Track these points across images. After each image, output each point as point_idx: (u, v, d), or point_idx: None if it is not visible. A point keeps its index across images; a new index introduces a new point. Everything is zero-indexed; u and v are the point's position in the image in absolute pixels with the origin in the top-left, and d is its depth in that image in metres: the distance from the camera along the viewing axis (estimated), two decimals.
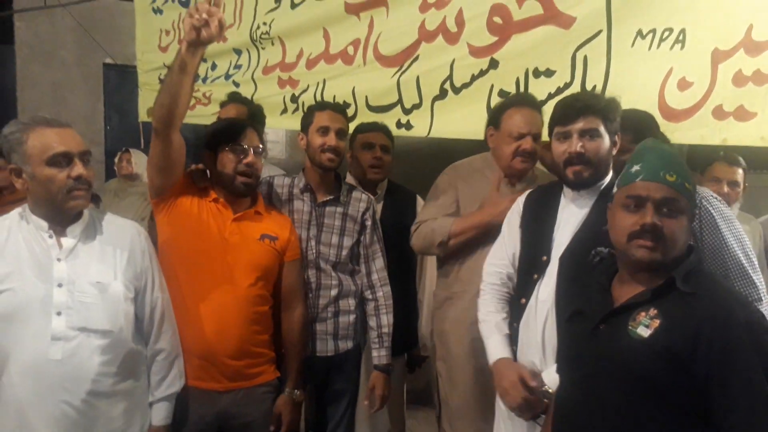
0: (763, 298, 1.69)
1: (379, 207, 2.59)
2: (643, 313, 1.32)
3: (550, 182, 1.97)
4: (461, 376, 2.23)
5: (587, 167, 1.74)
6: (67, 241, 1.64)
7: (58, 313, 1.59)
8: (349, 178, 2.68)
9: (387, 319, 2.26)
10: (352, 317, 2.26)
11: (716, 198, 1.80)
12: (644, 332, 1.30)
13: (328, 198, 2.24)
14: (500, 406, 1.92)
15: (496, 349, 1.86)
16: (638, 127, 1.90)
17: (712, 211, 1.73)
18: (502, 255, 1.98)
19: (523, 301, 1.84)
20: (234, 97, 2.92)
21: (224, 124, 2.09)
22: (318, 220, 2.22)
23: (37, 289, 1.58)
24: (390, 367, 2.28)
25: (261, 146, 2.00)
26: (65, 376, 1.57)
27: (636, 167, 1.40)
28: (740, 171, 2.65)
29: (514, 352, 1.87)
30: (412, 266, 2.78)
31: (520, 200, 1.99)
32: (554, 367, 1.64)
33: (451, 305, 2.26)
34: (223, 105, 2.88)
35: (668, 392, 1.28)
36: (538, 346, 1.78)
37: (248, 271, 1.94)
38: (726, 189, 2.55)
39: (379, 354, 2.25)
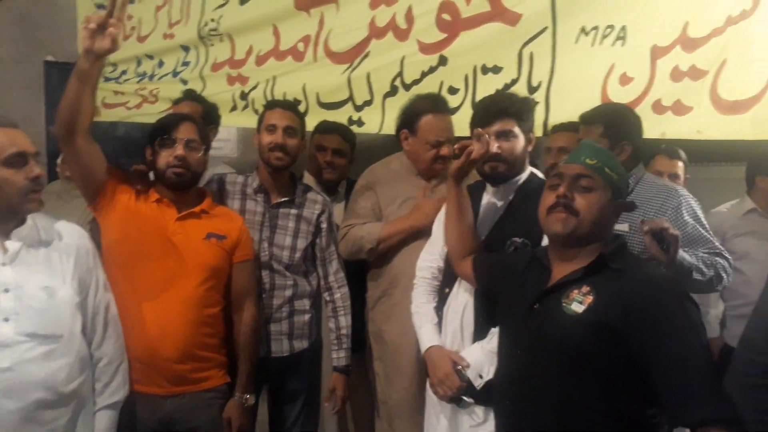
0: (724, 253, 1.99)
1: (340, 206, 2.58)
2: (576, 290, 1.40)
3: (476, 182, 2.04)
4: (398, 373, 2.25)
5: (502, 164, 1.87)
6: (12, 245, 1.59)
7: (6, 319, 1.53)
8: (308, 176, 2.66)
9: (345, 321, 2.26)
10: (307, 317, 2.24)
11: (694, 199, 2.06)
12: (578, 308, 1.38)
13: (282, 199, 2.22)
14: (430, 394, 1.97)
15: (427, 337, 1.96)
16: (609, 121, 2.04)
17: (688, 211, 2.00)
18: (432, 251, 2.06)
19: (447, 290, 1.94)
20: (188, 95, 2.85)
21: (161, 120, 2.04)
22: (271, 221, 2.19)
23: None
24: (349, 368, 2.27)
25: (196, 139, 1.94)
26: (12, 384, 1.52)
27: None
28: (680, 164, 2.75)
29: None
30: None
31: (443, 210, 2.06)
32: (473, 346, 1.78)
33: (384, 303, 2.30)
34: (176, 102, 2.80)
35: (605, 364, 1.35)
36: (456, 332, 1.88)
37: (194, 271, 1.89)
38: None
39: (338, 355, 2.25)
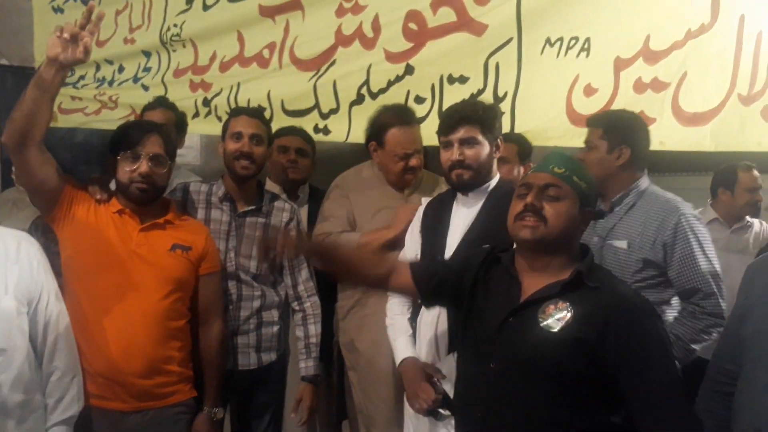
0: (716, 292, 1.86)
1: (303, 212, 2.55)
2: (552, 306, 1.39)
3: (447, 190, 2.05)
4: (372, 382, 2.24)
5: (467, 170, 1.88)
6: None
7: None
8: (270, 184, 2.62)
9: (315, 329, 2.21)
10: (275, 328, 2.20)
11: (695, 217, 1.95)
12: (555, 325, 1.37)
13: (248, 208, 2.17)
14: (407, 407, 1.96)
15: (401, 349, 1.96)
16: (610, 123, 2.02)
17: (687, 229, 1.88)
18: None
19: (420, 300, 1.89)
20: (161, 102, 2.70)
21: (124, 129, 1.95)
22: (237, 230, 2.15)
23: None
24: (318, 378, 2.23)
25: (161, 154, 1.87)
26: None
27: (533, 167, 1.53)
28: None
29: None
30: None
31: (420, 209, 2.08)
32: (448, 357, 1.75)
33: (356, 313, 2.29)
34: (148, 108, 2.65)
35: (580, 382, 1.35)
36: (431, 342, 1.88)
37: (159, 284, 1.84)
38: None
39: (306, 365, 2.20)
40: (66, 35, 1.56)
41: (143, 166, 1.83)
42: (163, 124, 2.17)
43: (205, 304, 1.97)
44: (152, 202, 1.91)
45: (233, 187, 2.17)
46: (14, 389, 1.54)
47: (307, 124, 2.70)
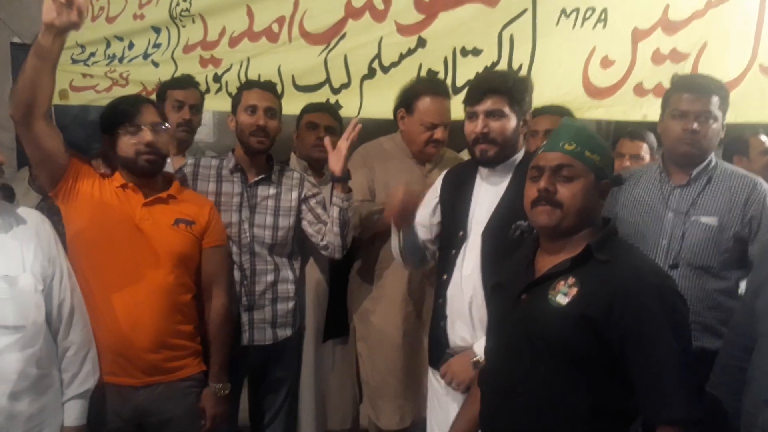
0: None
1: (327, 189, 2.54)
2: (562, 282, 1.37)
3: (467, 161, 1.99)
4: (381, 355, 2.24)
5: (492, 146, 1.78)
6: None
7: None
8: (294, 159, 2.60)
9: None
10: (291, 304, 2.20)
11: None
12: (563, 300, 1.34)
13: (259, 177, 2.17)
14: (433, 383, 1.93)
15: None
16: (725, 94, 1.86)
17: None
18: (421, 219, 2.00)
19: (445, 276, 1.86)
20: (191, 82, 2.68)
21: (116, 105, 1.93)
22: (250, 201, 2.14)
23: None
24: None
25: (160, 121, 1.86)
26: None
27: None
28: (645, 146, 2.74)
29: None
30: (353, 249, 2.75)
31: (439, 179, 2.01)
32: (484, 338, 1.67)
33: (373, 283, 2.27)
34: (176, 86, 2.63)
35: (586, 357, 1.33)
36: (467, 320, 1.81)
37: (163, 258, 1.83)
38: (628, 163, 2.63)
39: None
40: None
41: (147, 135, 1.82)
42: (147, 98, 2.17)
43: (208, 278, 1.96)
44: (159, 173, 1.90)
45: (244, 159, 2.16)
46: (32, 365, 1.56)
47: (318, 99, 2.66)
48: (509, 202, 1.78)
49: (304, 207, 2.21)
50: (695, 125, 1.82)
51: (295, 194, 2.19)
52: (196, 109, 2.60)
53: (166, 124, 1.89)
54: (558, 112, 2.20)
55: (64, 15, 1.54)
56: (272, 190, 2.16)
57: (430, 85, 2.20)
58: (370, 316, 2.29)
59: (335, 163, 2.09)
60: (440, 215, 1.95)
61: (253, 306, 2.13)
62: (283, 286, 2.18)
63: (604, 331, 1.30)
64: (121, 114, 1.84)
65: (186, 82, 2.68)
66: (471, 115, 1.81)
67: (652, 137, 2.80)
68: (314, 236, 2.19)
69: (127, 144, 1.83)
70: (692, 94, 1.82)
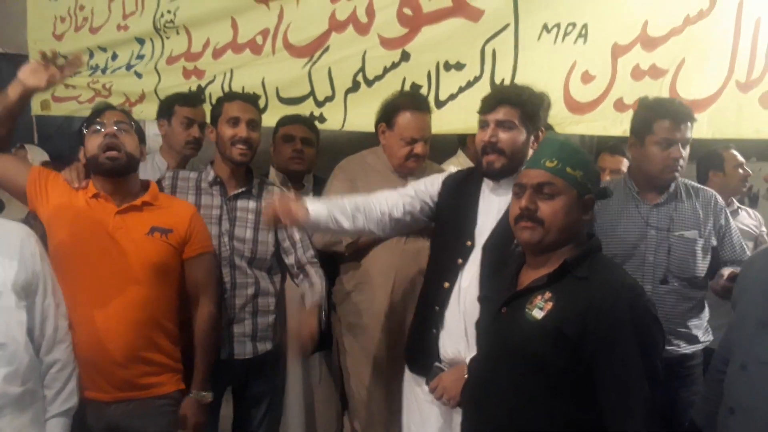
0: None
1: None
2: (539, 297, 1.39)
3: (469, 168, 1.98)
4: (366, 367, 2.23)
5: (500, 157, 1.77)
6: None
7: None
8: (273, 172, 2.60)
9: (320, 281, 2.14)
10: (270, 318, 2.17)
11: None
12: (538, 314, 1.36)
13: (239, 191, 2.16)
14: (414, 388, 1.92)
15: (313, 202, 1.86)
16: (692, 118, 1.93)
17: (724, 209, 2.05)
18: (410, 192, 1.96)
19: (447, 285, 1.83)
20: (198, 98, 2.73)
21: (85, 117, 1.95)
22: (230, 213, 2.12)
23: None
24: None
25: (124, 121, 1.85)
26: None
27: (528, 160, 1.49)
28: (624, 160, 2.78)
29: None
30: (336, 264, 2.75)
31: (439, 179, 1.97)
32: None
33: (355, 297, 2.27)
34: (188, 103, 2.64)
35: (559, 370, 1.34)
36: (461, 333, 1.80)
37: (137, 269, 1.79)
38: (608, 177, 2.67)
39: (312, 292, 2.12)
40: (43, 62, 1.72)
41: (108, 128, 1.80)
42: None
43: (194, 287, 1.92)
44: (125, 175, 1.84)
45: (224, 171, 2.14)
46: (14, 382, 1.52)
47: (302, 111, 2.67)
48: None
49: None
50: (682, 153, 1.91)
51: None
52: (203, 127, 2.59)
53: (131, 126, 1.86)
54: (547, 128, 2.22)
55: (34, 78, 1.71)
56: (252, 204, 2.15)
57: (410, 100, 2.20)
58: (354, 330, 2.28)
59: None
60: (439, 212, 1.93)
61: (233, 320, 2.10)
62: (263, 299, 2.16)
63: (578, 346, 1.32)
64: (87, 120, 1.85)
65: (195, 99, 2.68)
66: (483, 124, 1.80)
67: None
68: (283, 253, 2.18)
69: (92, 144, 1.80)
70: (675, 122, 1.89)
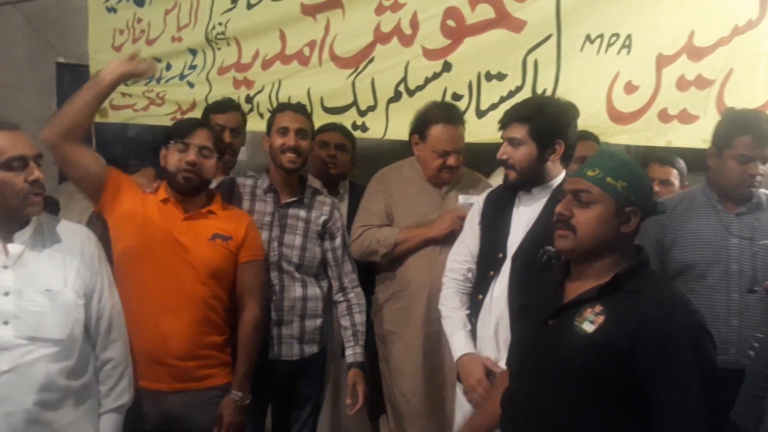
0: None
1: (342, 207, 2.59)
2: (589, 309, 1.37)
3: (502, 186, 2.02)
4: (404, 375, 2.26)
5: (512, 171, 1.86)
6: (14, 248, 1.59)
7: (5, 323, 1.54)
8: (311, 179, 2.67)
9: (360, 318, 2.24)
10: (318, 321, 2.23)
11: None
12: (589, 327, 1.35)
13: (291, 199, 2.22)
14: (461, 400, 1.95)
15: (460, 344, 1.94)
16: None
17: None
18: (464, 251, 2.04)
19: (480, 297, 1.90)
20: (232, 105, 2.77)
21: (177, 123, 2.07)
22: (281, 221, 2.19)
23: None
24: (365, 364, 2.25)
25: (209, 146, 1.95)
26: (12, 387, 1.52)
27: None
28: (674, 171, 2.74)
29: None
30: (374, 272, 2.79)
31: (480, 199, 2.05)
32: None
33: (392, 305, 2.30)
34: (216, 110, 2.70)
35: (608, 387, 1.32)
36: (492, 341, 1.85)
37: (199, 271, 1.91)
38: (657, 188, 2.64)
39: (354, 351, 2.21)
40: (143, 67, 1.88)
41: (191, 154, 1.91)
42: (207, 122, 2.27)
43: (242, 290, 2.02)
44: (196, 193, 1.97)
45: (278, 180, 2.23)
46: (72, 377, 1.61)
47: (345, 120, 2.73)
48: (541, 226, 1.80)
49: (326, 237, 2.26)
50: (759, 170, 1.90)
51: (323, 221, 2.24)
52: (237, 131, 2.67)
53: (213, 151, 1.97)
54: (590, 138, 2.20)
55: (135, 66, 1.86)
56: (303, 213, 2.21)
57: (442, 112, 2.24)
58: (391, 338, 2.31)
59: None
60: (480, 236, 1.99)
61: (281, 322, 2.17)
62: (311, 303, 2.21)
63: (629, 361, 1.30)
64: (176, 131, 1.96)
65: (225, 105, 2.76)
66: (503, 140, 1.90)
67: (681, 163, 2.79)
68: (326, 264, 2.26)
69: (173, 159, 1.92)
70: (756, 138, 1.87)
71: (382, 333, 2.35)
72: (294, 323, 2.18)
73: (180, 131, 1.95)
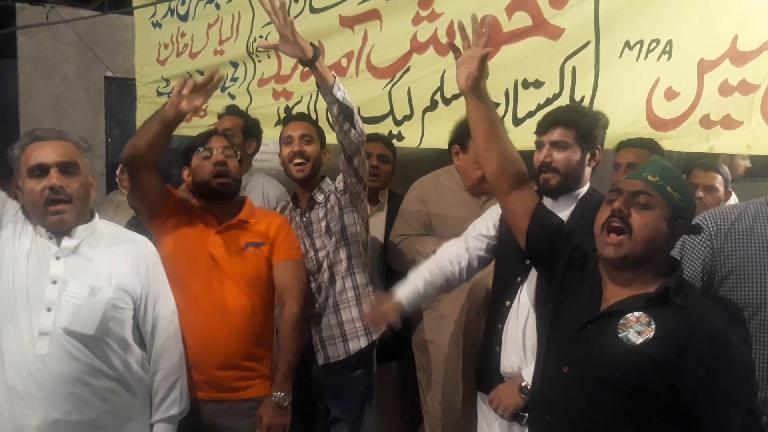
0: None
1: (381, 216, 2.61)
2: (633, 319, 1.34)
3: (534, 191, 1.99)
4: (441, 385, 2.25)
5: (555, 175, 1.85)
6: (68, 241, 1.66)
7: (48, 309, 1.60)
8: None
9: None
10: (354, 311, 2.19)
11: None
12: (635, 338, 1.32)
13: (306, 203, 2.24)
14: (482, 407, 1.95)
15: (403, 287, 1.92)
16: None
17: None
18: (483, 229, 2.01)
19: (508, 303, 1.88)
20: (231, 110, 2.97)
21: (192, 140, 2.13)
22: (306, 229, 2.22)
23: (35, 283, 1.61)
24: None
25: (230, 146, 2.01)
26: (47, 373, 1.58)
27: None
28: (719, 177, 2.68)
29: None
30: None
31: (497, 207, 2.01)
32: (533, 365, 1.66)
33: (430, 314, 2.30)
34: (220, 117, 2.93)
35: (650, 399, 1.30)
36: (518, 347, 1.83)
37: (236, 282, 1.95)
38: (701, 194, 2.59)
39: None
40: (185, 91, 1.82)
41: (218, 155, 1.96)
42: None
43: (280, 290, 2.04)
44: (232, 197, 2.01)
45: (299, 191, 2.26)
46: (103, 377, 1.65)
47: (381, 130, 2.75)
48: None
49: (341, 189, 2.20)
50: None
51: (331, 197, 2.21)
52: (232, 132, 2.75)
53: (235, 151, 2.04)
54: (643, 144, 2.17)
55: (187, 103, 1.81)
56: (322, 212, 2.23)
57: None
58: (428, 347, 2.32)
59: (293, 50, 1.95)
60: (499, 236, 1.97)
61: (321, 323, 2.17)
62: (343, 299, 2.21)
63: (674, 377, 1.28)
64: (194, 144, 2.03)
65: (227, 111, 2.92)
66: (539, 145, 1.88)
67: (725, 169, 2.72)
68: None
69: (201, 168, 1.97)
70: None
71: (420, 342, 2.36)
72: (332, 322, 2.18)
73: (198, 142, 2.02)
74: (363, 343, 2.21)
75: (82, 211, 1.70)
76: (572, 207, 1.86)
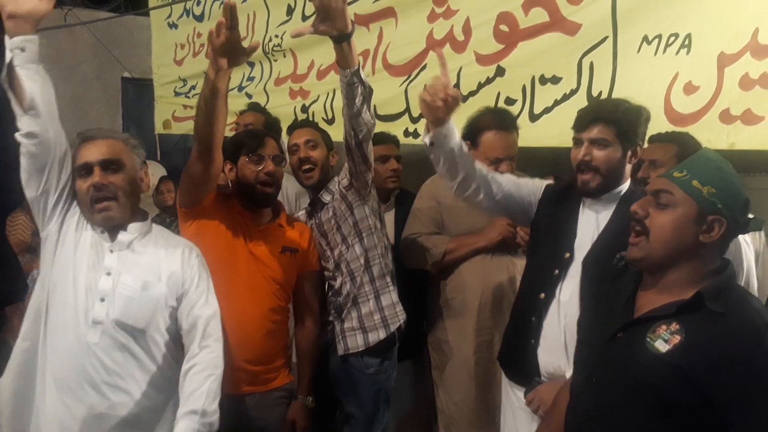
0: None
1: (390, 214, 2.60)
2: (664, 327, 1.27)
3: (569, 180, 1.93)
4: (455, 384, 2.25)
5: (595, 175, 1.74)
6: (124, 236, 1.69)
7: (102, 300, 1.64)
8: None
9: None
10: (371, 303, 2.15)
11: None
12: (662, 347, 1.25)
13: (315, 206, 2.23)
14: (511, 396, 1.92)
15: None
16: None
17: None
18: (521, 190, 1.94)
19: (542, 295, 1.80)
20: (253, 106, 2.99)
21: (244, 135, 2.12)
22: (320, 230, 2.23)
23: (91, 273, 1.64)
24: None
25: (280, 154, 2.02)
26: (97, 363, 1.62)
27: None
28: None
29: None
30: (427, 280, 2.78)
31: (542, 184, 1.96)
32: None
33: (444, 314, 2.28)
34: (241, 113, 2.95)
35: (678, 410, 1.24)
36: (561, 348, 1.77)
37: (268, 283, 1.98)
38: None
39: None
40: (218, 41, 1.68)
41: (269, 165, 1.97)
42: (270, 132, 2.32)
43: (301, 302, 2.09)
44: (273, 202, 2.04)
45: (311, 194, 2.26)
46: (146, 371, 1.67)
47: (398, 127, 2.76)
48: (612, 233, 1.73)
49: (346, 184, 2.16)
50: None
51: (338, 194, 2.19)
52: (253, 128, 2.70)
53: (284, 159, 2.03)
54: (671, 139, 2.09)
55: (227, 60, 1.69)
56: (330, 213, 2.20)
57: (494, 119, 2.19)
58: (442, 346, 2.32)
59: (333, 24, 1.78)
60: (536, 220, 1.92)
61: (341, 316, 2.16)
62: (362, 293, 2.18)
63: (704, 388, 1.20)
64: (248, 143, 1.99)
65: (250, 107, 2.93)
66: (577, 142, 1.77)
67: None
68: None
69: (249, 171, 1.96)
70: None
71: (435, 341, 2.36)
72: (352, 314, 2.15)
73: (251, 144, 1.98)
74: (382, 335, 2.19)
75: (130, 206, 1.72)
76: (614, 205, 1.77)
